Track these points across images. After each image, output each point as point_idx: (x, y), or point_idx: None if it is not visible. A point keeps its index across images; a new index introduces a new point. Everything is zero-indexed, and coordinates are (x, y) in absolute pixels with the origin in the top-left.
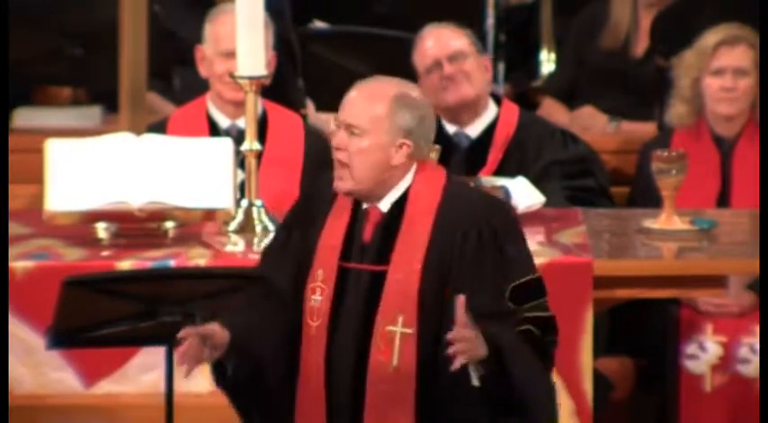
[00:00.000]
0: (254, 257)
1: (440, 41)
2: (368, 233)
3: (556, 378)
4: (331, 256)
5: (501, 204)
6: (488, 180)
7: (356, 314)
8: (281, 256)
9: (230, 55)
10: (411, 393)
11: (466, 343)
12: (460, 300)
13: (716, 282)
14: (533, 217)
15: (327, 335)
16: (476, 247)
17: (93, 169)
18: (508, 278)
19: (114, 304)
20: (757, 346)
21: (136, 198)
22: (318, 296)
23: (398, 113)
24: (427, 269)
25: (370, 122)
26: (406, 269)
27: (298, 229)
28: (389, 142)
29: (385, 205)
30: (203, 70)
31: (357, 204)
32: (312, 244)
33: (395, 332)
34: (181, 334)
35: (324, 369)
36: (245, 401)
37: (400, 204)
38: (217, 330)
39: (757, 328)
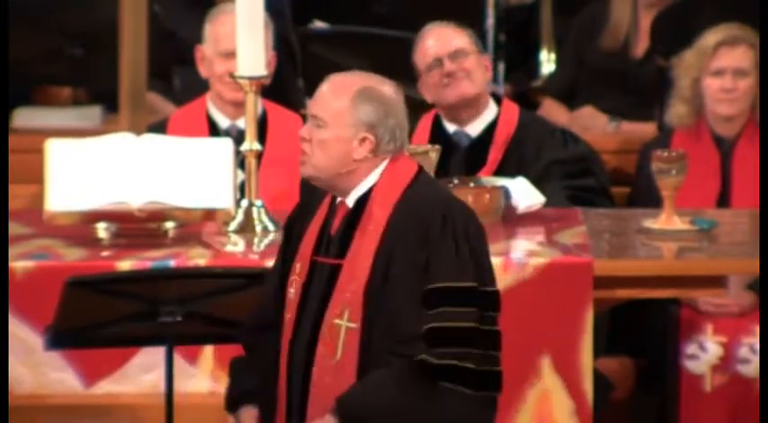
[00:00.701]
0: (254, 257)
1: (441, 40)
2: (334, 227)
3: (556, 378)
4: (307, 249)
5: (454, 205)
6: (488, 180)
7: (315, 307)
8: (282, 253)
9: (230, 55)
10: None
11: None
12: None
13: (716, 282)
14: (533, 217)
15: (293, 327)
16: (411, 243)
17: (93, 169)
18: (429, 280)
19: (115, 304)
20: (757, 346)
21: (136, 198)
22: (293, 289)
23: (360, 107)
24: (377, 265)
25: (332, 115)
26: (356, 264)
27: (296, 226)
28: (351, 136)
29: (351, 200)
30: (203, 70)
31: (335, 199)
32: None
33: (341, 326)
34: None
35: (287, 360)
36: None
37: (365, 199)
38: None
39: (757, 328)
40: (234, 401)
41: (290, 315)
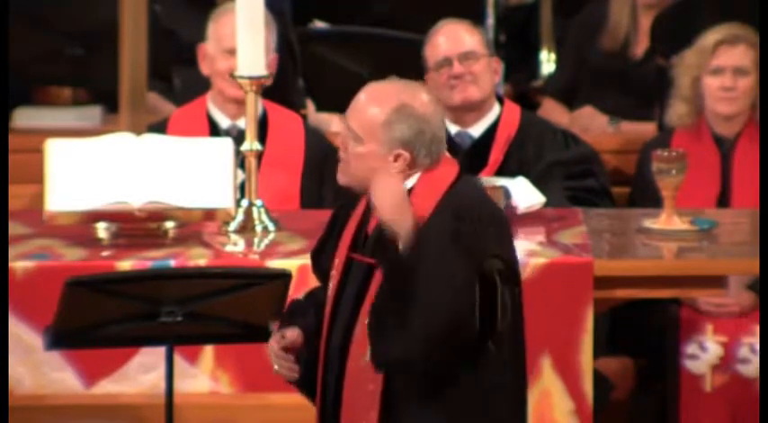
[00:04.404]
0: (254, 257)
1: (452, 39)
2: (371, 226)
3: (556, 378)
4: (344, 245)
5: (485, 206)
6: (488, 180)
7: (349, 305)
8: (323, 249)
9: (233, 52)
10: (378, 389)
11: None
12: None
13: (716, 282)
14: (533, 217)
15: (329, 323)
16: (444, 245)
17: (93, 169)
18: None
19: (115, 304)
20: (757, 346)
21: (136, 198)
22: (331, 284)
23: (395, 125)
24: None
25: (366, 131)
26: None
27: (337, 225)
28: (385, 152)
29: None
30: (205, 68)
31: None
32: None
33: None
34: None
35: (324, 354)
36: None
37: None
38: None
39: (757, 328)
40: (284, 318)
41: (327, 310)
